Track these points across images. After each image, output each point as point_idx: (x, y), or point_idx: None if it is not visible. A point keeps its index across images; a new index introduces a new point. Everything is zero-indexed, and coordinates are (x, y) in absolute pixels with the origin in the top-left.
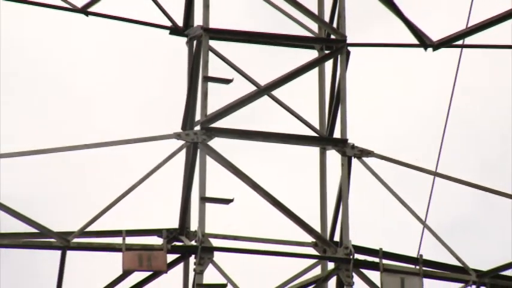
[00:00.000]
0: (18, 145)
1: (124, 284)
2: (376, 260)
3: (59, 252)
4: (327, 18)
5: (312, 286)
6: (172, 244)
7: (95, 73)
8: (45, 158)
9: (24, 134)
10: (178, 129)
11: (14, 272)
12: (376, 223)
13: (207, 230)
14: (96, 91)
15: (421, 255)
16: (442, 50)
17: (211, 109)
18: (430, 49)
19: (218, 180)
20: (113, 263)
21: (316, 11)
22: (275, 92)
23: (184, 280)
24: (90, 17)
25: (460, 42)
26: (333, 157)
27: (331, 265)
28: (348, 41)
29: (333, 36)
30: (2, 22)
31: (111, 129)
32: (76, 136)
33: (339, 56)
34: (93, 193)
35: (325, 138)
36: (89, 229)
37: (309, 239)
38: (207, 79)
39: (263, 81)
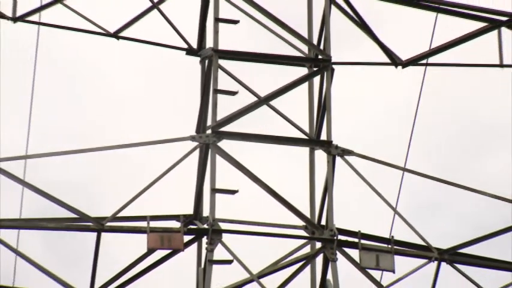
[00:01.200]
0: (67, 143)
1: (148, 260)
2: (356, 240)
3: (94, 234)
4: (315, 41)
5: (303, 261)
6: (188, 227)
7: (125, 86)
8: (86, 155)
9: (71, 134)
10: (193, 133)
11: (58, 250)
12: (355, 210)
13: (217, 216)
14: (126, 100)
15: (393, 236)
16: (410, 68)
17: (220, 116)
18: (399, 67)
19: (225, 175)
20: (139, 243)
21: (306, 35)
22: (272, 102)
23: (198, 257)
24: (121, 40)
25: (424, 61)
26: (320, 156)
27: (318, 244)
28: (333, 60)
29: (320, 56)
30: (53, 44)
31: (139, 132)
32: (111, 136)
33: (325, 73)
34: (123, 184)
35: (313, 140)
36: (119, 215)
37: (300, 223)
38: (217, 91)
39: (262, 93)
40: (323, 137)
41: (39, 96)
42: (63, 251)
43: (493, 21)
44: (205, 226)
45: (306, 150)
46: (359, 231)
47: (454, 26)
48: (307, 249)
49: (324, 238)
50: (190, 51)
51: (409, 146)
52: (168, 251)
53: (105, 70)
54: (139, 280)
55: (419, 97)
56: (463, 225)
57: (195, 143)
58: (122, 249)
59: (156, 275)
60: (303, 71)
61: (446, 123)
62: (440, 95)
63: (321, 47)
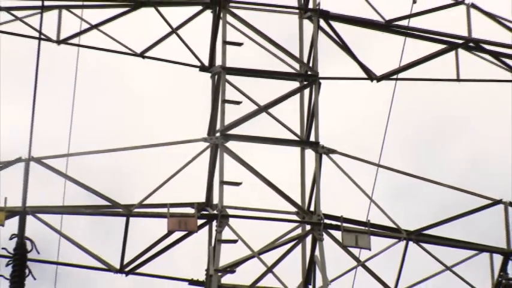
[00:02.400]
0: (102, 142)
1: (168, 240)
2: (339, 223)
3: (124, 218)
4: (305, 60)
5: (295, 241)
6: (201, 213)
7: (150, 96)
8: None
9: (106, 134)
10: (205, 135)
11: (94, 232)
12: (339, 198)
13: (224, 203)
14: (151, 108)
15: (369, 220)
16: (383, 82)
17: (227, 121)
18: (375, 81)
19: (232, 170)
20: (160, 225)
21: (298, 55)
22: (270, 110)
23: (209, 237)
24: (146, 59)
25: (395, 76)
26: (310, 154)
27: (308, 227)
28: (320, 76)
29: (309, 72)
30: (91, 62)
31: (161, 133)
32: (139, 136)
33: (313, 86)
34: (148, 177)
35: (303, 141)
36: (144, 202)
37: (293, 209)
38: (224, 101)
39: (262, 102)
40: (312, 138)
41: (80, 103)
42: (98, 232)
43: (451, 44)
44: (215, 212)
45: (297, 149)
46: (341, 216)
47: (419, 48)
48: (298, 231)
49: (313, 222)
50: (202, 68)
51: (382, 146)
52: (184, 233)
53: (134, 83)
54: (161, 256)
55: (391, 105)
56: (428, 210)
57: (207, 144)
58: (146, 231)
59: (175, 252)
60: (295, 84)
61: (413, 125)
62: (408, 104)
63: (310, 64)
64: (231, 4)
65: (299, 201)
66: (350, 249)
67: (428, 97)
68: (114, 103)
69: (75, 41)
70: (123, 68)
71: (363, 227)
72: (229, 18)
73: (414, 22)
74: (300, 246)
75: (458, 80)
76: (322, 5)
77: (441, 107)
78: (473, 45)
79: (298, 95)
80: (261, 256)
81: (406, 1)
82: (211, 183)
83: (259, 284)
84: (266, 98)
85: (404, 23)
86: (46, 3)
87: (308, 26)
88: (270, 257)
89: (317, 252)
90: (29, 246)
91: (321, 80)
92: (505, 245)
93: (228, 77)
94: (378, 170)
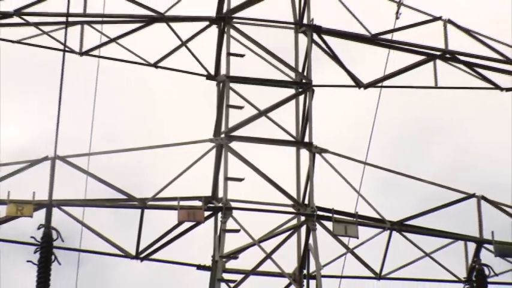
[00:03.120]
0: (120, 141)
1: (178, 229)
2: (330, 215)
3: (139, 211)
4: (300, 69)
5: (291, 230)
6: (207, 205)
7: (162, 101)
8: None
9: (123, 134)
10: (211, 136)
11: (113, 222)
12: (330, 192)
13: (229, 197)
14: (163, 112)
15: (357, 212)
16: (370, 89)
17: (231, 124)
18: (362, 88)
19: (235, 167)
20: (171, 217)
21: (293, 65)
22: (269, 114)
23: (214, 227)
24: (158, 69)
25: (380, 84)
26: (304, 153)
27: (302, 218)
28: (313, 83)
29: (304, 80)
30: (111, 72)
31: (172, 134)
32: (153, 137)
33: (307, 93)
34: (160, 173)
35: (299, 142)
36: (157, 196)
37: (289, 202)
38: (228, 106)
39: (262, 107)
40: (306, 139)
41: (100, 107)
42: (116, 223)
43: (430, 55)
44: (220, 205)
45: (293, 149)
46: (332, 208)
47: (402, 58)
48: (294, 222)
49: (307, 213)
50: (209, 76)
51: (369, 145)
52: (193, 223)
53: (148, 90)
54: (172, 244)
55: (377, 109)
56: (410, 203)
57: (213, 144)
58: (159, 222)
59: (184, 240)
60: (291, 91)
61: (397, 127)
62: (392, 108)
63: (305, 73)
64: (234, 20)
65: (295, 195)
66: (340, 237)
67: (410, 102)
68: (130, 107)
69: (95, 52)
70: (138, 77)
71: (352, 218)
72: (232, 32)
73: (397, 36)
74: (295, 235)
75: (436, 87)
76: (315, 20)
77: (422, 111)
78: (450, 56)
79: (294, 101)
80: (261, 244)
81: (389, 17)
82: (217, 179)
83: (259, 269)
84: (265, 103)
85: (388, 36)
86: (70, 19)
87: (303, 39)
88: (268, 245)
89: (311, 241)
90: (54, 235)
91: (314, 87)
92: (478, 234)
93: (231, 84)
94: (365, 167)
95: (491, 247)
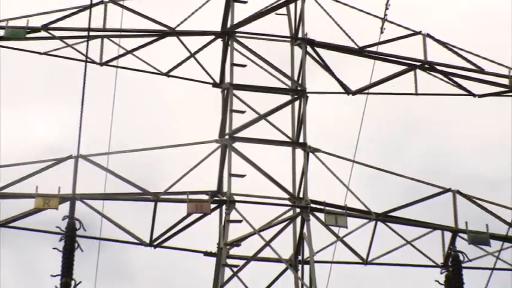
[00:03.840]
0: (137, 141)
1: (187, 220)
2: (322, 207)
3: (152, 203)
4: (295, 77)
5: (288, 221)
6: (213, 199)
7: (173, 105)
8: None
9: (140, 135)
10: (217, 137)
11: (129, 214)
12: (322, 187)
13: (232, 191)
14: (174, 115)
15: (346, 204)
16: (358, 95)
17: (234, 126)
18: (351, 94)
19: (238, 165)
20: (181, 209)
21: (289, 73)
22: (268, 117)
23: (219, 218)
24: (170, 77)
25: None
26: (299, 152)
27: (298, 210)
28: (307, 90)
29: (299, 88)
30: (128, 80)
31: (182, 135)
32: (165, 137)
33: (302, 99)
34: (171, 170)
35: (294, 142)
36: (169, 190)
37: (286, 196)
38: (232, 111)
39: (262, 111)
40: (301, 140)
41: (118, 111)
42: (132, 214)
43: (411, 65)
44: (225, 198)
45: (289, 149)
46: (324, 201)
47: (386, 68)
48: (290, 213)
49: (301, 206)
50: (215, 84)
51: (357, 145)
52: (200, 214)
53: (160, 96)
54: (182, 233)
55: (363, 113)
56: (393, 196)
57: (218, 144)
58: (170, 213)
59: (193, 230)
60: (287, 97)
61: (382, 129)
62: (377, 112)
63: (299, 81)
64: (237, 34)
65: (291, 190)
66: (331, 227)
67: (394, 107)
68: (145, 111)
69: (114, 63)
70: (151, 84)
71: (341, 210)
72: (235, 45)
73: (382, 48)
74: (291, 225)
75: (416, 94)
76: (309, 34)
77: (404, 114)
78: (428, 66)
79: (290, 106)
80: (261, 233)
81: (375, 31)
82: (222, 176)
83: (259, 255)
84: (265, 108)
85: (374, 48)
86: (91, 33)
87: (298, 51)
88: (267, 234)
89: (305, 230)
90: (77, 225)
91: (308, 94)
92: (453, 224)
93: (234, 91)
94: (353, 165)
95: (465, 236)
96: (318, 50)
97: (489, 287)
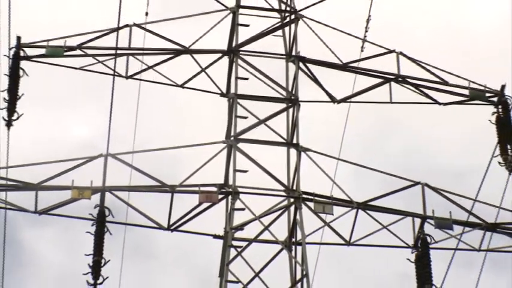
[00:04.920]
0: (157, 141)
1: (199, 208)
2: (312, 197)
3: (170, 194)
4: (290, 88)
5: (283, 209)
6: (221, 190)
7: (187, 112)
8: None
9: (160, 136)
10: (223, 139)
11: (150, 203)
12: (312, 180)
13: (236, 184)
14: (187, 120)
15: (332, 195)
16: (342, 103)
17: (238, 129)
18: (336, 103)
19: (241, 162)
20: (194, 199)
21: (284, 84)
22: (267, 122)
23: (226, 207)
24: (184, 89)
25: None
26: (293, 151)
27: (291, 200)
28: (300, 99)
29: (292, 97)
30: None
31: (194, 137)
32: (178, 138)
33: (295, 107)
34: (186, 166)
35: (289, 143)
36: (184, 183)
37: (282, 188)
38: (237, 116)
39: (261, 117)
40: (294, 141)
41: (142, 115)
42: (153, 202)
43: (386, 78)
44: (230, 190)
45: (284, 148)
46: (313, 192)
47: (366, 80)
48: (285, 203)
49: (295, 196)
50: (222, 94)
51: (341, 145)
52: (210, 203)
53: (177, 103)
54: (195, 219)
55: (347, 118)
56: (372, 188)
57: (224, 145)
58: (185, 202)
59: (204, 216)
60: (283, 105)
61: (363, 131)
62: (359, 117)
63: (293, 92)
64: (241, 52)
65: (285, 183)
66: (319, 214)
67: (372, 113)
68: (163, 116)
69: (137, 76)
70: (169, 94)
71: (328, 200)
72: (239, 61)
73: (362, 64)
74: (286, 213)
75: (391, 102)
76: (301, 52)
77: (381, 119)
78: (401, 79)
79: (285, 112)
80: (261, 219)
81: (356, 49)
82: (228, 171)
83: (259, 238)
84: (264, 114)
85: (355, 64)
86: (118, 51)
87: (292, 66)
88: (266, 220)
89: (297, 217)
90: (107, 212)
91: (300, 102)
92: (422, 212)
93: (239, 100)
94: (338, 162)
95: (432, 222)
96: (309, 65)
97: (452, 264)
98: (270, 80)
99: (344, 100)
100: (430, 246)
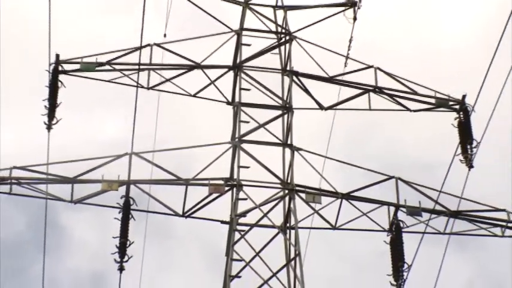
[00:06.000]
0: (172, 141)
1: (208, 198)
2: (303, 189)
3: (184, 187)
4: (285, 97)
5: (279, 199)
6: (227, 183)
7: (198, 118)
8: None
9: (176, 138)
10: (229, 140)
11: (167, 193)
12: (304, 174)
13: (240, 178)
14: (198, 125)
15: (321, 187)
16: (329, 110)
17: (242, 132)
18: (324, 110)
19: (244, 159)
20: (204, 190)
21: (281, 95)
22: (266, 126)
23: (231, 196)
24: (196, 98)
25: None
26: (287, 151)
27: (286, 191)
28: (293, 107)
29: (287, 105)
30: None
31: (205, 138)
32: (192, 139)
33: (289, 113)
34: (197, 162)
35: (284, 143)
36: (197, 177)
37: (278, 181)
38: (240, 121)
39: (261, 122)
40: (289, 142)
41: (160, 120)
42: (170, 193)
43: (366, 89)
44: (235, 183)
45: (280, 148)
46: (305, 185)
47: (349, 90)
48: (281, 194)
49: (289, 188)
50: (228, 102)
51: (328, 145)
52: (218, 194)
53: (190, 110)
54: (205, 207)
55: (333, 122)
56: (355, 181)
57: (230, 145)
58: (197, 193)
59: (213, 205)
60: (278, 112)
61: (346, 134)
62: (343, 122)
63: (288, 100)
64: (244, 67)
65: (281, 177)
66: (310, 203)
67: (354, 118)
68: (179, 121)
69: (157, 87)
70: (183, 102)
71: (317, 191)
72: (243, 75)
73: (345, 77)
74: (282, 202)
75: (370, 109)
76: (294, 67)
77: (361, 124)
78: (378, 90)
79: (280, 118)
80: (261, 207)
81: (341, 64)
82: (233, 167)
83: (259, 223)
84: (263, 119)
85: (340, 77)
86: (141, 67)
87: (286, 79)
88: (265, 208)
89: (291, 205)
90: (131, 202)
91: (293, 109)
92: (396, 201)
93: (242, 107)
94: (325, 160)
95: (404, 210)
96: (301, 78)
97: (421, 245)
98: (268, 90)
99: (330, 107)
100: (403, 230)
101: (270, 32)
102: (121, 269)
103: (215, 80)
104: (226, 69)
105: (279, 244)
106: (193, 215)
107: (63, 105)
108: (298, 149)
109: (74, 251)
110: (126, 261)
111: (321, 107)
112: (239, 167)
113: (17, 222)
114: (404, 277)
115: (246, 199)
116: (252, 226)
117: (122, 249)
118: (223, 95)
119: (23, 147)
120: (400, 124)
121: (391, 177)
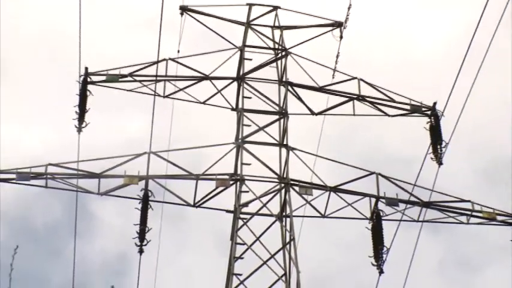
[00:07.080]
0: (184, 142)
1: (216, 191)
2: (297, 183)
3: (194, 181)
4: (281, 104)
5: (276, 192)
6: (231, 178)
7: (206, 122)
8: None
9: (189, 138)
10: (233, 141)
11: (180, 187)
12: (298, 170)
13: (243, 173)
14: (207, 128)
15: (312, 181)
16: (320, 115)
17: (244, 134)
18: (315, 115)
19: (246, 158)
20: (212, 184)
21: (277, 102)
22: (265, 129)
23: (235, 189)
24: (205, 104)
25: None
26: (283, 150)
27: (283, 185)
28: (289, 112)
29: (283, 111)
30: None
31: (212, 140)
32: (201, 140)
33: (285, 117)
34: (206, 160)
35: (280, 144)
36: (205, 173)
37: (275, 176)
38: (243, 125)
39: (261, 125)
40: (284, 142)
41: (175, 123)
42: (182, 187)
43: (351, 97)
44: (239, 178)
45: (277, 148)
46: (299, 179)
47: (336, 99)
48: (278, 187)
49: (285, 182)
50: (232, 109)
51: (318, 145)
52: (224, 187)
53: (200, 115)
54: (213, 199)
55: (322, 126)
56: (342, 176)
57: (234, 145)
58: (205, 187)
59: (219, 195)
60: (276, 117)
61: (336, 134)
62: (332, 125)
63: (284, 107)
64: (246, 78)
65: (278, 172)
66: (303, 195)
67: (340, 122)
68: (190, 124)
69: (172, 96)
70: (193, 108)
71: (309, 185)
72: (245, 85)
73: (333, 87)
74: (278, 194)
75: (354, 114)
76: (290, 78)
77: (347, 126)
78: (361, 98)
79: (277, 122)
80: (260, 199)
81: (329, 76)
82: (237, 164)
83: (259, 212)
84: (262, 123)
85: (328, 87)
86: (158, 78)
87: (282, 89)
88: (264, 199)
89: (287, 197)
90: (150, 194)
91: (289, 115)
92: (376, 193)
93: (244, 113)
94: (316, 158)
95: (384, 200)
96: (295, 88)
97: (398, 231)
98: (267, 98)
99: (320, 113)
100: (382, 218)
101: (269, 48)
102: (141, 251)
103: (221, 89)
104: (231, 80)
105: (276, 230)
106: (202, 205)
107: (93, 110)
108: (293, 149)
109: (101, 234)
110: (145, 244)
111: (312, 113)
112: (242, 164)
113: (54, 211)
114: (384, 258)
115: (247, 192)
116: (253, 215)
117: (142, 234)
118: (228, 102)
119: (56, 146)
120: (380, 127)
121: (372, 173)
